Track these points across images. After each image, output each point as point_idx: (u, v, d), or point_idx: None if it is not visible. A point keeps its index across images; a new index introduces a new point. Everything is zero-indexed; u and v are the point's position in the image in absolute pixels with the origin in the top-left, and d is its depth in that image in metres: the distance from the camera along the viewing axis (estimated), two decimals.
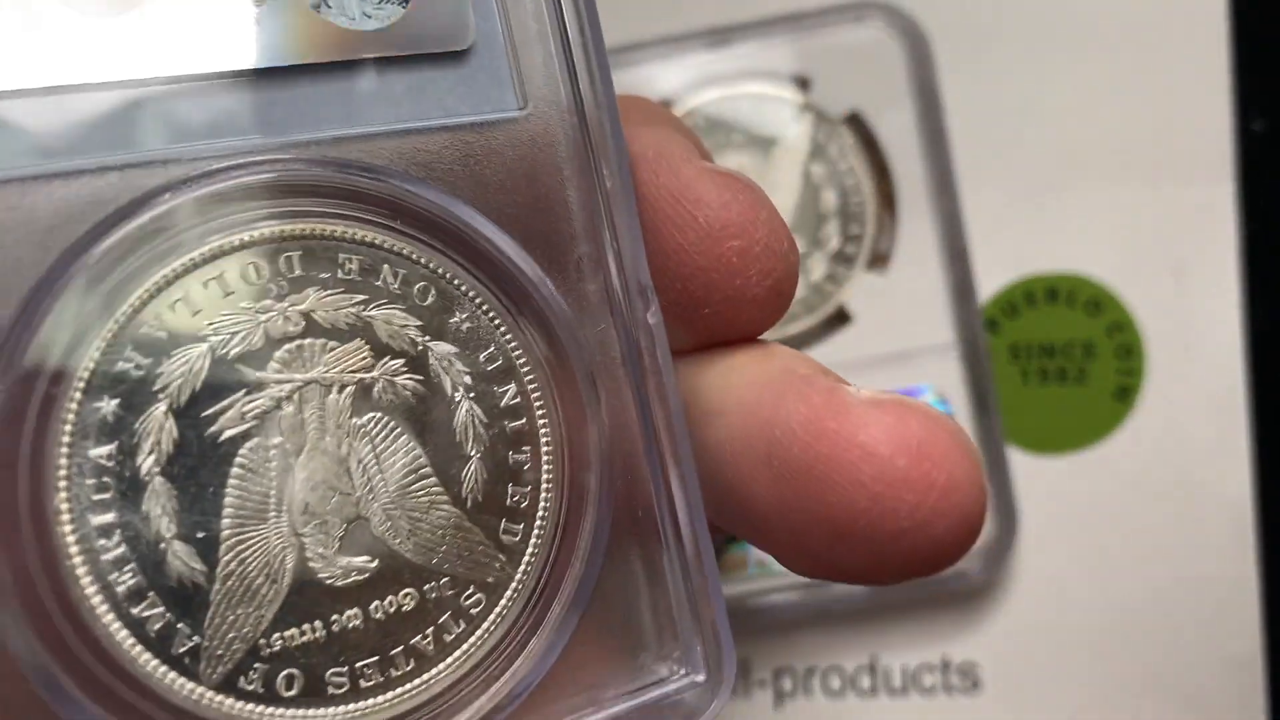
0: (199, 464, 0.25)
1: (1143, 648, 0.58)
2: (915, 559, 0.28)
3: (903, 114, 0.59)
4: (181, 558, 0.25)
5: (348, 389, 0.27)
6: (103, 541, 0.24)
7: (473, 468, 0.29)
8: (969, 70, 0.60)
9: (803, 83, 0.59)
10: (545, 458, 0.29)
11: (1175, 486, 0.59)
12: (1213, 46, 0.59)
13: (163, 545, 0.25)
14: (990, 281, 0.60)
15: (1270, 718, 0.57)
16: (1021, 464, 0.59)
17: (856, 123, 0.59)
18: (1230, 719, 0.58)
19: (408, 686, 0.28)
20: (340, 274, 0.27)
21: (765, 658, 0.59)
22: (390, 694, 0.27)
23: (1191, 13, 0.60)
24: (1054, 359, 0.60)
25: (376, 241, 0.28)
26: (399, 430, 0.28)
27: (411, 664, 0.28)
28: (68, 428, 0.24)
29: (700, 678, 0.31)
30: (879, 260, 0.59)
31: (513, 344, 0.29)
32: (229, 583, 0.26)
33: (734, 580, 0.57)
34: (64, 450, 0.24)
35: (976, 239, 0.59)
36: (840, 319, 0.59)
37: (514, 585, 0.29)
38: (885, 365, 0.58)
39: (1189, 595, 0.58)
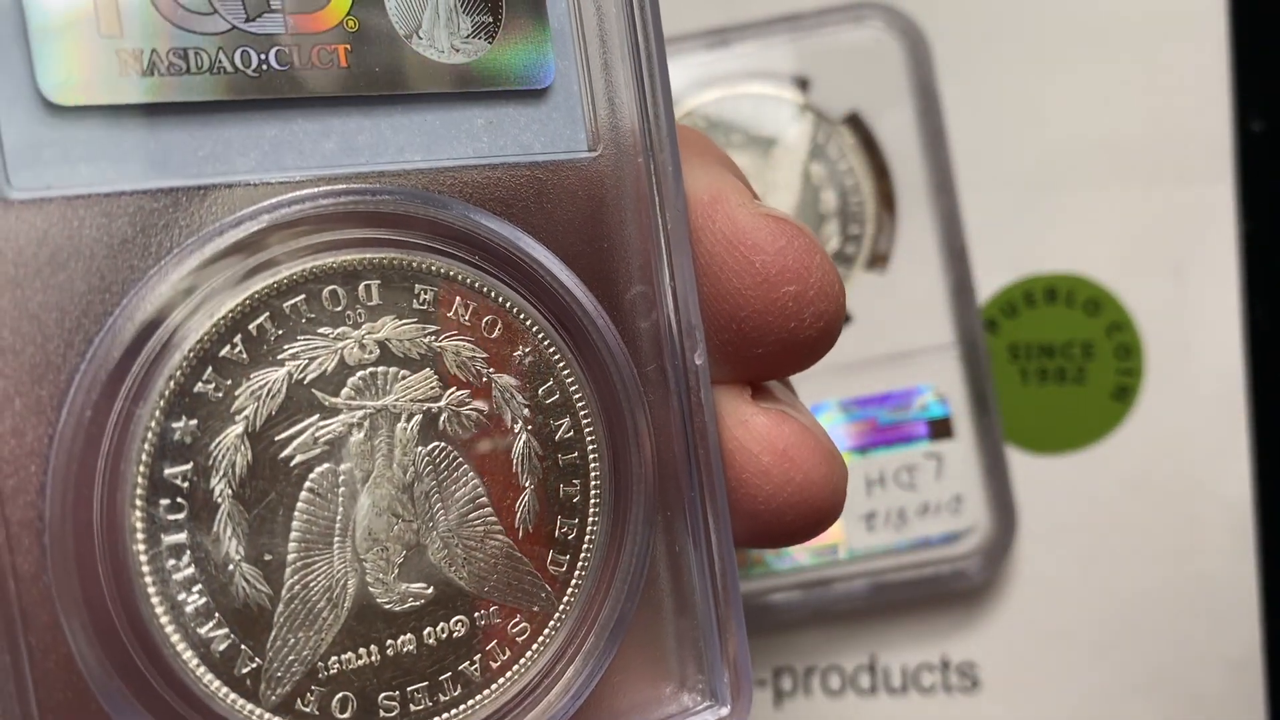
0: (269, 487, 0.26)
1: (1143, 648, 0.59)
2: (768, 536, 0.33)
3: (902, 114, 0.59)
4: (249, 580, 0.26)
5: (415, 418, 0.28)
6: (173, 561, 0.25)
7: (526, 499, 0.29)
8: (968, 70, 0.60)
9: (802, 83, 0.59)
10: (594, 491, 0.30)
11: (1175, 486, 0.59)
12: (1213, 46, 0.60)
13: (231, 567, 0.26)
14: (989, 281, 0.60)
15: (1270, 718, 0.58)
16: (1021, 464, 0.60)
17: (856, 123, 0.59)
18: (1230, 719, 0.58)
19: (454, 711, 0.28)
20: (415, 304, 0.28)
21: (765, 657, 0.59)
22: (438, 718, 0.28)
23: (1191, 13, 0.60)
24: (1053, 359, 0.60)
25: (450, 273, 0.28)
26: (460, 460, 0.29)
27: (459, 689, 0.28)
28: (146, 446, 0.25)
29: (725, 710, 0.32)
30: (878, 260, 0.59)
31: (570, 379, 0.30)
32: (292, 605, 0.26)
33: None
34: (141, 469, 0.25)
35: (976, 239, 0.59)
36: None
37: (557, 616, 0.30)
38: (885, 365, 0.59)
39: (1189, 595, 0.59)
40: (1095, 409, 0.60)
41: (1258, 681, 0.58)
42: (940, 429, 0.58)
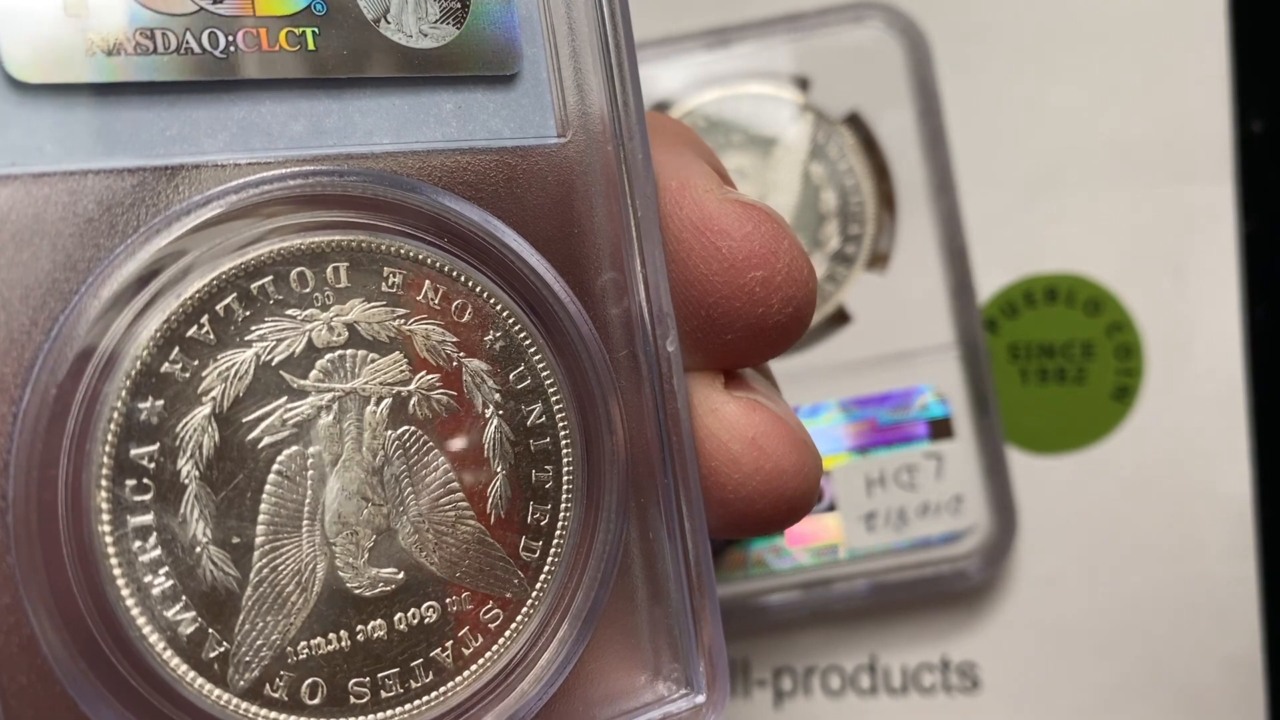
0: (237, 469, 0.26)
1: (1143, 648, 0.58)
2: (741, 526, 0.33)
3: (902, 114, 0.59)
4: (216, 563, 0.25)
5: (385, 401, 0.27)
6: (139, 543, 0.25)
7: (498, 484, 0.29)
8: (968, 70, 0.60)
9: (803, 83, 0.59)
10: (566, 477, 0.30)
11: (1175, 486, 0.59)
12: (1213, 46, 0.59)
13: (198, 550, 0.25)
14: (990, 281, 0.60)
15: (1270, 718, 0.57)
16: (1021, 464, 0.59)
17: (856, 123, 0.59)
18: (1230, 719, 0.58)
19: (426, 698, 0.28)
20: (384, 287, 0.27)
21: (765, 658, 0.59)
22: (409, 705, 0.28)
23: (1191, 13, 0.60)
24: (1053, 359, 0.60)
25: (420, 257, 0.28)
26: (431, 445, 0.28)
27: (430, 676, 0.28)
28: (112, 426, 0.24)
29: (700, 699, 0.32)
30: (879, 260, 0.59)
31: (541, 364, 0.29)
32: (261, 589, 0.26)
33: (734, 580, 0.57)
34: (106, 450, 0.24)
35: (976, 239, 0.59)
36: (840, 319, 0.59)
37: (530, 602, 0.29)
38: (885, 365, 0.58)
39: (1189, 595, 0.58)
40: (1095, 409, 0.60)
41: (1258, 681, 0.58)
42: (940, 429, 0.58)
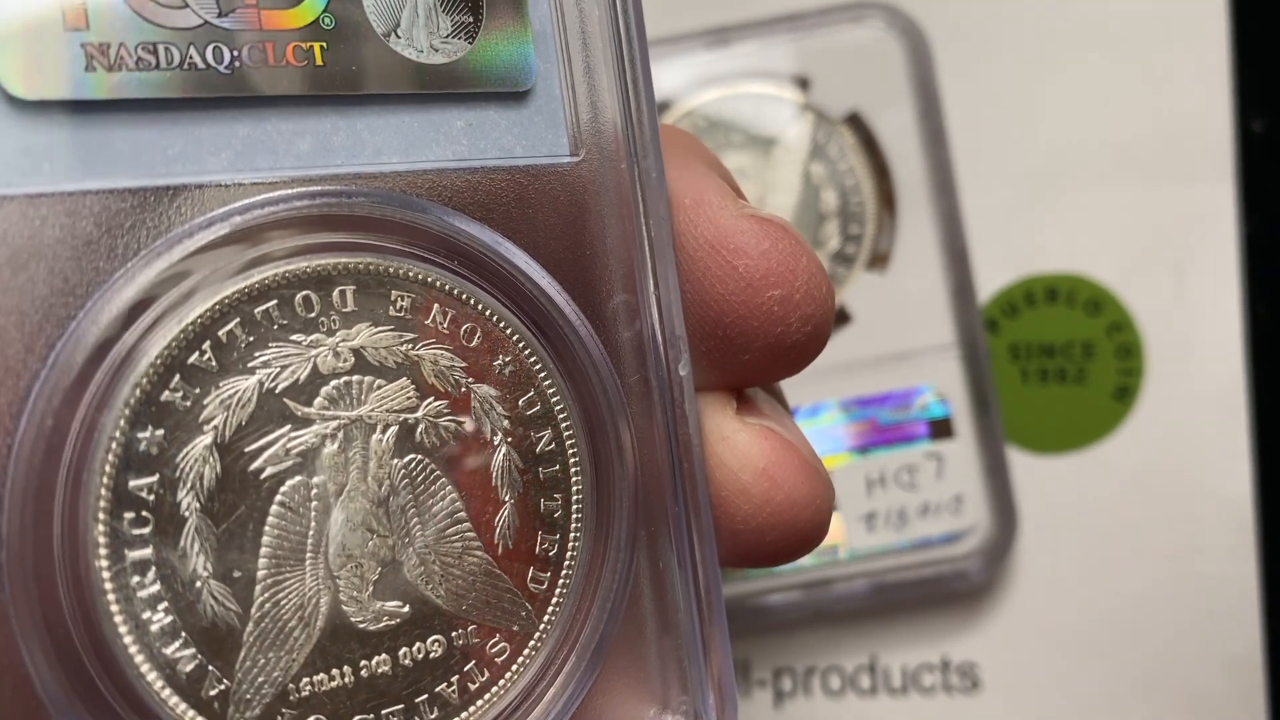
0: (239, 500, 0.24)
1: (1143, 648, 0.58)
2: (750, 557, 0.32)
3: (903, 114, 0.58)
4: (217, 598, 0.24)
5: (391, 429, 0.26)
6: (138, 578, 0.23)
7: (506, 514, 0.28)
8: (968, 70, 0.59)
9: (803, 83, 0.58)
10: (575, 506, 0.29)
11: (1175, 486, 0.58)
12: (1213, 46, 0.59)
13: (198, 584, 0.24)
14: (990, 281, 0.59)
15: (1270, 718, 0.57)
16: (1021, 464, 0.59)
17: (856, 123, 0.58)
18: (1230, 719, 0.57)
19: None
20: (392, 311, 0.26)
21: (765, 658, 0.58)
22: None
23: (1191, 13, 0.59)
24: (1054, 359, 0.59)
25: (428, 280, 0.27)
26: (438, 473, 0.27)
27: (436, 712, 0.27)
28: (110, 457, 0.23)
29: None
30: (879, 260, 0.58)
31: (551, 389, 0.28)
32: (263, 625, 0.25)
33: (734, 580, 0.56)
34: (105, 481, 0.23)
35: (976, 239, 0.58)
36: (840, 319, 0.58)
37: (538, 635, 0.28)
38: (885, 365, 0.58)
39: (1189, 595, 0.58)
40: (1096, 409, 0.59)
41: (1258, 681, 0.57)
42: (941, 429, 0.57)
